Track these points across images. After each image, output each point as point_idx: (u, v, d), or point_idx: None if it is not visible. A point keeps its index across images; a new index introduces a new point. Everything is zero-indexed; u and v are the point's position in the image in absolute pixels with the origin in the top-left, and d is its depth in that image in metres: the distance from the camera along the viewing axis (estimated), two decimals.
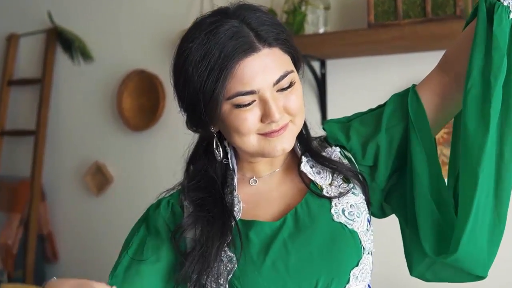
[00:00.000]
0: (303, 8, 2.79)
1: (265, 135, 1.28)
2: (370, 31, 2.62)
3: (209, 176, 1.39)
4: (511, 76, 1.26)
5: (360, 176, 1.40)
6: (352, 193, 1.38)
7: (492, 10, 1.26)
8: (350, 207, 1.37)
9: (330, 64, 2.96)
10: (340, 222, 1.33)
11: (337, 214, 1.35)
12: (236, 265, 1.30)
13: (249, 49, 1.23)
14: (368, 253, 1.36)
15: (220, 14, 1.28)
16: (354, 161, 1.41)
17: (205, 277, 1.31)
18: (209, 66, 1.22)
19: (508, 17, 1.25)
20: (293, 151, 1.41)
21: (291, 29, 2.77)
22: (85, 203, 3.64)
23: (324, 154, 1.42)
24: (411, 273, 1.43)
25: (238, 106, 1.24)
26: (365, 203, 1.40)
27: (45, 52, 3.69)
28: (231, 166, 1.39)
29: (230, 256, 1.31)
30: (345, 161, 1.42)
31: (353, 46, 2.70)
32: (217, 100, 1.23)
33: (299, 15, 2.77)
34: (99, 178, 3.54)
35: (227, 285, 1.31)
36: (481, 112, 1.25)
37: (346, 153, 1.43)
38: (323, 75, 2.95)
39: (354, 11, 2.85)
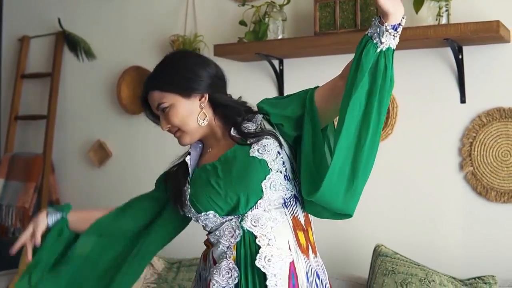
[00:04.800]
0: (266, 19, 3.32)
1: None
2: (315, 38, 3.18)
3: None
4: (373, 89, 1.76)
5: (271, 133, 1.94)
6: (265, 138, 1.93)
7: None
8: (263, 146, 1.92)
9: (287, 62, 3.44)
10: (253, 156, 1.90)
11: (252, 151, 1.91)
12: (190, 190, 1.99)
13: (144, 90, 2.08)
14: (277, 171, 1.91)
15: None
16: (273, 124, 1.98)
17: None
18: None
19: (375, 51, 1.74)
20: (221, 129, 2.04)
21: (257, 35, 3.32)
22: (88, 174, 4.13)
23: (246, 127, 1.99)
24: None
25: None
26: (277, 144, 1.93)
27: (54, 51, 4.21)
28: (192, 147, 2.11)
29: (188, 187, 2.00)
30: (267, 124, 1.99)
31: (304, 49, 3.21)
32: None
33: (263, 25, 3.30)
34: (100, 153, 4.06)
35: (188, 202, 1.99)
36: (346, 104, 1.75)
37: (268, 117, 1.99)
38: (281, 71, 3.46)
39: (304, 23, 3.38)
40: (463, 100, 3.11)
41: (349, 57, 3.63)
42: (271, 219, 1.92)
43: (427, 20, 3.06)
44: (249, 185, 1.91)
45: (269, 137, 1.95)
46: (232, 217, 1.95)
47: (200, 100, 2.02)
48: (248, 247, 1.91)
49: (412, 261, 2.89)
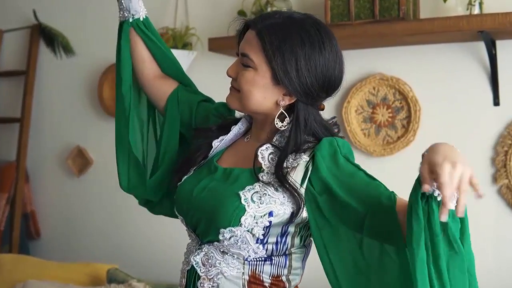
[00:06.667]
0: (268, 9, 3.08)
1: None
2: None
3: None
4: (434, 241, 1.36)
5: (297, 197, 1.56)
6: (276, 189, 1.56)
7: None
8: (263, 195, 1.56)
9: None
10: (238, 195, 1.56)
11: (246, 190, 1.57)
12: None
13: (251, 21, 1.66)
14: (247, 230, 1.56)
15: None
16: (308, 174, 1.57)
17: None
18: None
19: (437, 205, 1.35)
20: (268, 134, 1.68)
21: None
22: (67, 184, 3.92)
23: (287, 160, 1.59)
24: None
25: None
26: (290, 210, 1.56)
27: (29, 47, 3.97)
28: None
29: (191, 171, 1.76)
30: (302, 170, 1.58)
31: None
32: None
33: None
34: (80, 161, 3.84)
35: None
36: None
37: (310, 167, 1.58)
38: None
39: (312, 13, 3.06)
40: (496, 102, 2.85)
41: (365, 52, 3.24)
42: (225, 265, 1.64)
43: (457, 10, 2.79)
44: (211, 221, 1.61)
45: (287, 193, 1.57)
46: (194, 235, 1.71)
47: (284, 96, 1.63)
48: (191, 283, 1.69)
49: None
